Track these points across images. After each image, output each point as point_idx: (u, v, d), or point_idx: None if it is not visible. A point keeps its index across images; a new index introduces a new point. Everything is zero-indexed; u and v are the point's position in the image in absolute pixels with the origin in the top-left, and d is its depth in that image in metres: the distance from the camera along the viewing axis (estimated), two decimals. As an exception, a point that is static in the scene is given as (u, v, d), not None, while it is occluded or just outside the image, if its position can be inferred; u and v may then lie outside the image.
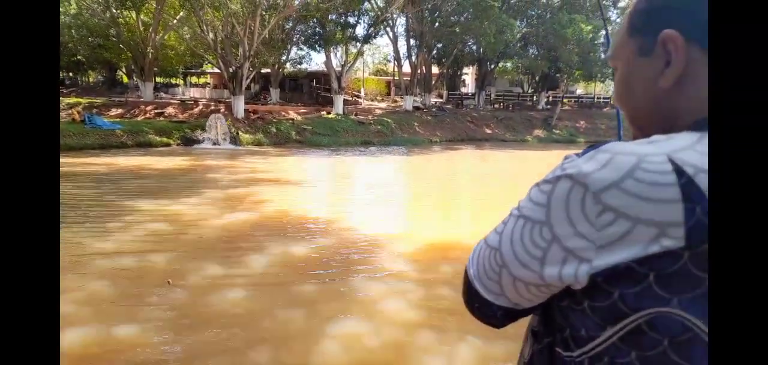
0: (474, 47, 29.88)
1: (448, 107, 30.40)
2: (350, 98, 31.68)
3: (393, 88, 37.68)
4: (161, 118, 20.62)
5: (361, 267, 5.24)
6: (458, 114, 28.13)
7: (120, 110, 21.24)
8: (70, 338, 3.46)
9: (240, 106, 20.88)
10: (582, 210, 0.56)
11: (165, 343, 3.49)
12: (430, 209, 8.83)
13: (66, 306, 4.00)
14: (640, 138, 0.61)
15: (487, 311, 0.71)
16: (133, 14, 23.21)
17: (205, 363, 3.26)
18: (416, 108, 27.66)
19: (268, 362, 3.29)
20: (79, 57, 28.17)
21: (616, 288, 0.56)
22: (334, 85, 25.03)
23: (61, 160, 13.20)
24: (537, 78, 33.25)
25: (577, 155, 0.62)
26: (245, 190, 9.59)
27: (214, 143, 18.42)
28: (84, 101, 22.26)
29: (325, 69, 26.40)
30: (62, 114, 19.97)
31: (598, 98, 35.41)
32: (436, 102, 31.53)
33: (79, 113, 18.37)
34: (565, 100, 34.55)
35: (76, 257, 5.22)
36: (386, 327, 3.79)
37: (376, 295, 4.45)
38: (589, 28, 26.83)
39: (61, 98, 22.84)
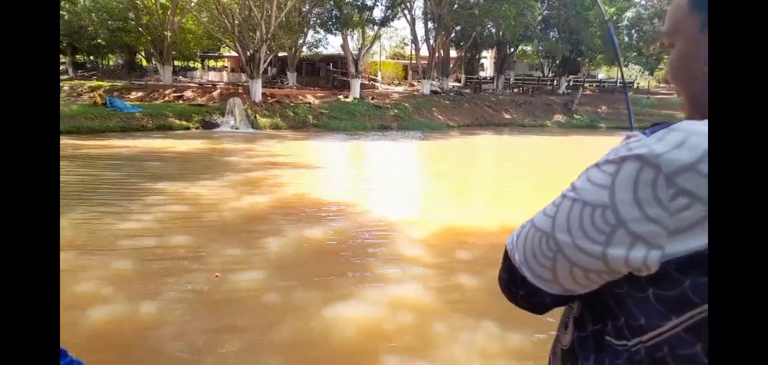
0: (493, 30, 29.37)
1: (466, 91, 30.08)
2: (367, 82, 31.55)
3: (410, 73, 37.39)
4: (180, 101, 20.85)
5: (378, 251, 5.25)
6: (476, 98, 27.82)
7: (140, 94, 21.54)
8: (95, 315, 3.55)
9: (257, 89, 20.97)
10: (653, 193, 0.53)
11: (186, 321, 3.56)
12: (447, 194, 8.79)
13: (90, 284, 4.10)
14: (695, 119, 0.58)
15: (533, 298, 0.68)
16: (152, -3, 23.41)
17: (225, 340, 3.32)
18: (434, 92, 27.42)
19: (286, 341, 3.34)
20: (99, 41, 28.55)
21: (688, 277, 0.53)
22: (351, 69, 24.93)
23: (83, 142, 13.48)
24: (557, 62, 32.61)
25: (643, 133, 0.58)
26: (263, 173, 9.67)
27: (233, 127, 18.57)
28: (105, 84, 22.62)
29: (342, 53, 26.27)
30: (84, 97, 20.35)
31: (620, 83, 34.61)
32: (453, 86, 31.21)
33: (100, 96, 18.67)
34: (586, 84, 33.86)
35: (99, 237, 5.34)
36: (403, 312, 3.81)
37: (391, 280, 4.46)
38: (613, 10, 26.14)
39: (82, 82, 23.25)
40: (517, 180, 10.22)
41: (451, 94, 28.03)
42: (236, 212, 6.62)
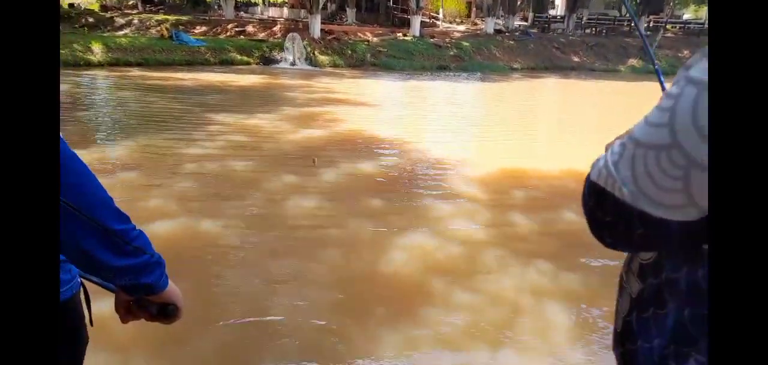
0: (565, -36, 27.20)
1: (533, 31, 28.37)
2: (428, 20, 30.54)
3: (474, 10, 35.71)
4: (242, 36, 21.21)
5: (431, 187, 5.19)
6: (544, 39, 26.21)
7: (204, 28, 22.08)
8: (159, 228, 3.78)
9: (316, 26, 20.87)
10: None
11: (244, 239, 3.71)
12: (504, 137, 8.48)
13: (157, 201, 4.36)
14: None
15: (658, 233, 0.54)
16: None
17: (280, 258, 3.44)
18: (498, 31, 26.10)
19: (337, 263, 3.41)
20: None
21: None
22: (412, 4, 24.14)
23: (151, 73, 14.12)
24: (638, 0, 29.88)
25: (703, 55, 0.49)
26: (320, 109, 9.74)
27: (292, 63, 18.73)
28: (171, 17, 23.34)
29: (403, -12, 25.43)
30: (152, 31, 21.14)
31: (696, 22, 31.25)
32: (519, 25, 29.55)
33: (167, 29, 19.35)
34: (668, 25, 30.90)
35: (165, 161, 5.64)
36: (453, 245, 3.76)
37: (444, 214, 4.41)
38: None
39: (150, 15, 24.09)
40: (580, 126, 9.67)
41: (517, 33, 26.59)
42: (293, 144, 6.74)
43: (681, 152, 0.49)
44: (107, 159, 5.68)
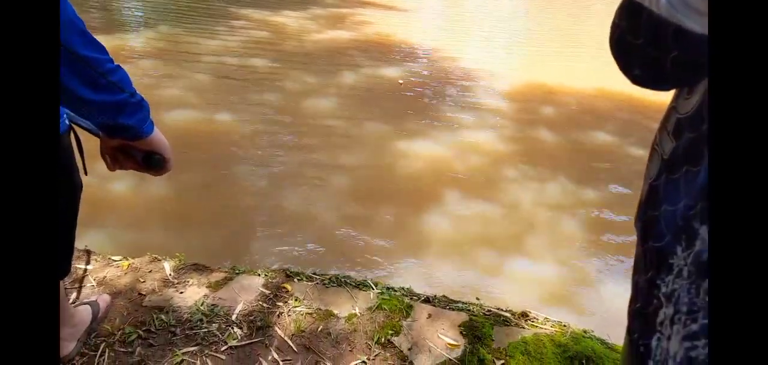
0: None
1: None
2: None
3: None
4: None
5: (457, 97, 4.96)
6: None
7: None
8: (176, 115, 3.74)
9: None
10: None
11: (258, 133, 3.65)
12: (539, 51, 7.99)
13: (174, 91, 4.31)
14: None
15: (691, 52, 0.47)
16: None
17: (292, 156, 3.38)
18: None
19: (357, 164, 3.33)
20: None
21: None
22: None
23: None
24: None
25: None
26: (348, 10, 9.31)
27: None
28: None
29: None
30: None
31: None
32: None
33: None
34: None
35: (185, 52, 5.52)
36: (473, 155, 3.62)
37: (467, 124, 4.22)
38: None
39: None
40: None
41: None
42: (317, 44, 6.50)
43: None
44: (127, 46, 5.61)
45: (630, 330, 0.65)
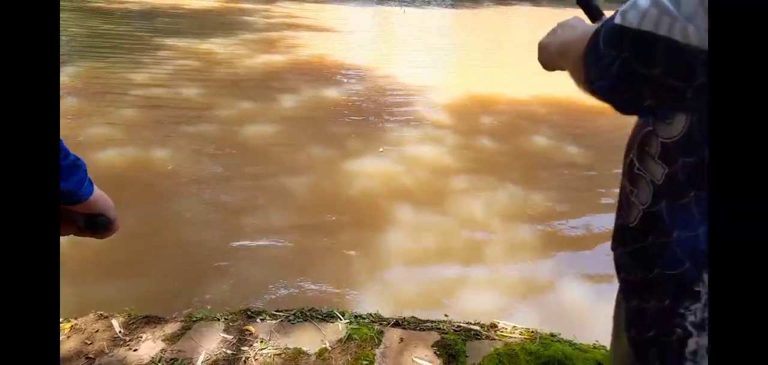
0: None
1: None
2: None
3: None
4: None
5: (397, 112, 5.02)
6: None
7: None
8: (109, 155, 3.48)
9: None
10: None
11: (195, 166, 3.48)
12: (472, 64, 8.30)
13: (103, 129, 4.02)
14: None
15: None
16: None
17: (242, 183, 3.25)
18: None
19: (306, 189, 3.25)
20: None
21: None
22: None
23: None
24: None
25: None
26: (280, 34, 9.20)
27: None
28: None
29: None
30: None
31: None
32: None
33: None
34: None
35: (110, 86, 5.19)
36: (421, 170, 3.66)
37: (411, 139, 4.27)
38: None
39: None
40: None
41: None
42: (250, 70, 6.35)
43: None
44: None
45: (641, 357, 0.62)
